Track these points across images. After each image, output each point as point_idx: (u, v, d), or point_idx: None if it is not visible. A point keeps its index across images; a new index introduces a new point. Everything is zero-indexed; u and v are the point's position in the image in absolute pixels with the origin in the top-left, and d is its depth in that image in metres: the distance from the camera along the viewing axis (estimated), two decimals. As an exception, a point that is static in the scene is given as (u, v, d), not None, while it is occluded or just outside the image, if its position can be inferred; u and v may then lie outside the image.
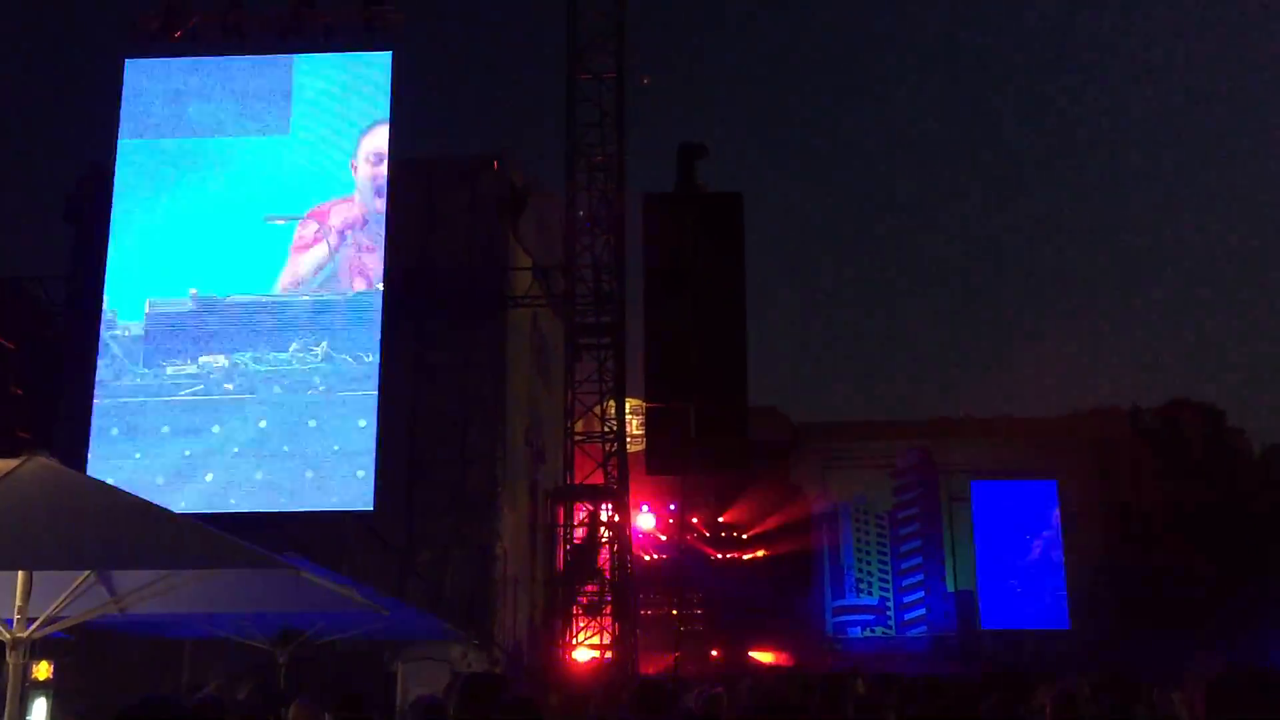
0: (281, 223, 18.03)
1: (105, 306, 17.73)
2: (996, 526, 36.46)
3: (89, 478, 7.30)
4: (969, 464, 36.64)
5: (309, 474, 17.07)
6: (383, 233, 17.59)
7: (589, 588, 19.39)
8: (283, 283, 18.02)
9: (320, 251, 17.98)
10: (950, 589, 36.63)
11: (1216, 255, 74.37)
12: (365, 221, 17.90)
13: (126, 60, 18.12)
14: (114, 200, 17.81)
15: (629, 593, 19.75)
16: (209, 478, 17.08)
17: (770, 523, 36.74)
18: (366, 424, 17.11)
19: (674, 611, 33.03)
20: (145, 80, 18.13)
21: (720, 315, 17.72)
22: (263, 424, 17.47)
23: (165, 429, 17.51)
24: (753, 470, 34.11)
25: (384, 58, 17.96)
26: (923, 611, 36.81)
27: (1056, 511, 36.24)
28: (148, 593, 6.26)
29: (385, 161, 17.87)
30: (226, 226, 18.07)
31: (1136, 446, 35.67)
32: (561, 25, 18.86)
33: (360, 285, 17.79)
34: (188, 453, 17.33)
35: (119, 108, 17.98)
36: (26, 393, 20.15)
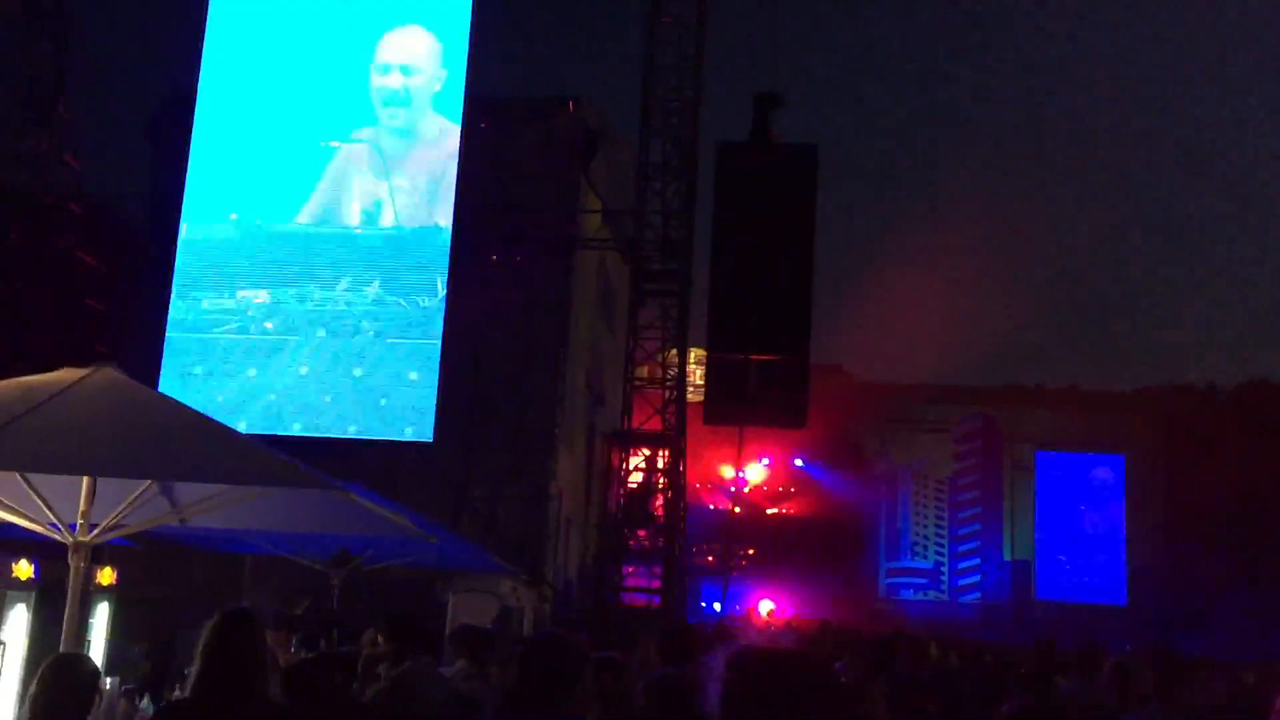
0: (336, 145, 16.99)
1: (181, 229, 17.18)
2: (1060, 498, 36.01)
3: (154, 392, 7.48)
4: (1036, 434, 36.16)
5: (351, 428, 16.09)
6: (442, 167, 16.81)
7: (641, 533, 19.53)
8: (335, 213, 16.92)
9: (375, 181, 16.94)
10: (1007, 558, 36.36)
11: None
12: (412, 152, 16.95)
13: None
14: (195, 121, 17.74)
15: (680, 540, 19.85)
16: (242, 425, 15.56)
17: (828, 481, 36.68)
18: (418, 376, 15.93)
19: (727, 563, 33.21)
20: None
21: (788, 270, 17.53)
22: (304, 370, 16.18)
23: (198, 369, 16.30)
24: (812, 427, 34.07)
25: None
26: (977, 579, 36.59)
27: (1123, 487, 35.67)
28: (207, 506, 6.41)
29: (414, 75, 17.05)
30: (288, 150, 17.16)
31: (1210, 425, 34.87)
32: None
33: (418, 220, 16.71)
34: (220, 398, 16.04)
35: (204, 27, 17.89)
36: (107, 310, 20.69)
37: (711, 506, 35.67)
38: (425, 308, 16.19)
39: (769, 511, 36.95)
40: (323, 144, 17.19)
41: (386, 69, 17.33)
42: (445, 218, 16.67)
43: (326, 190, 17.00)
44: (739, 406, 17.74)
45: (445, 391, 16.63)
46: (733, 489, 36.63)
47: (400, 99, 17.35)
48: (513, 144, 18.63)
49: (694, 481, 35.33)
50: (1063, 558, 35.86)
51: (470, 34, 17.47)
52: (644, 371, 19.87)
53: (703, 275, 18.38)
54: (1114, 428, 35.67)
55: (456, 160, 16.89)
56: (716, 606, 33.11)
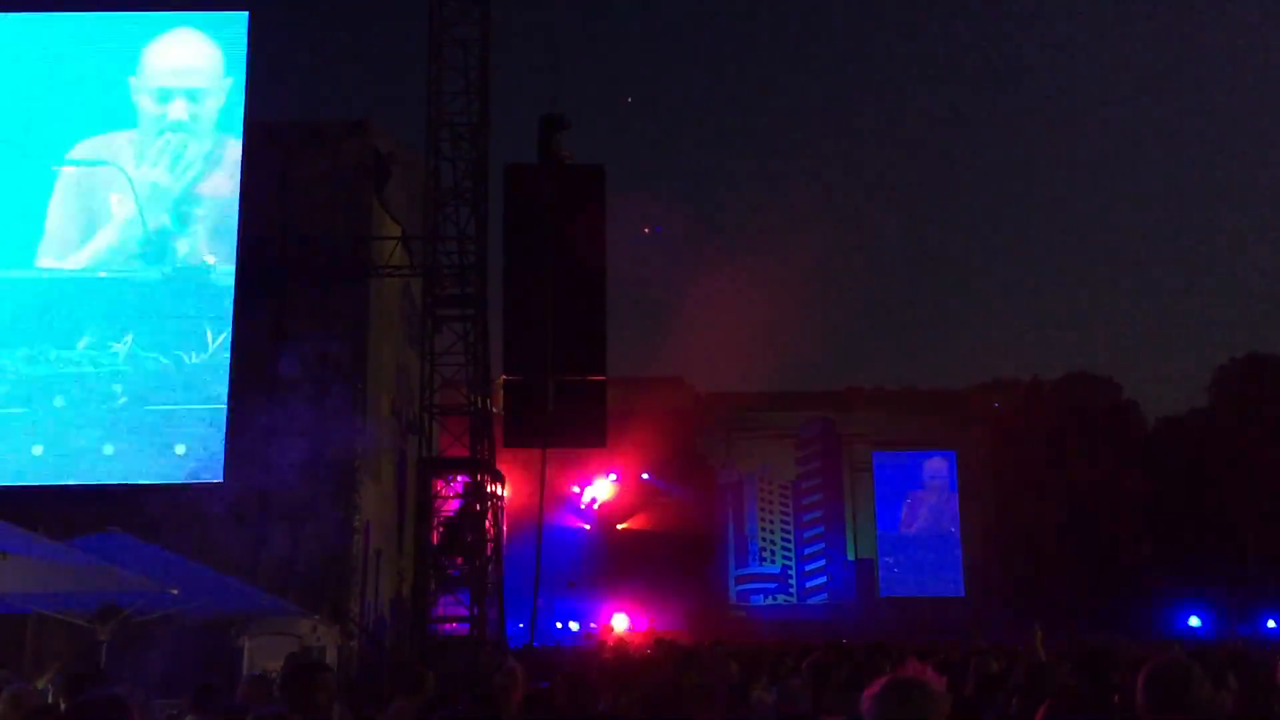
0: (71, 171, 14.79)
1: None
2: (897, 497, 37.00)
3: None
4: (871, 435, 37.13)
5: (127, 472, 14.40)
6: (221, 200, 15.61)
7: (459, 560, 19.21)
8: (78, 254, 14.78)
9: (127, 212, 14.98)
10: (851, 557, 37.21)
11: (1116, 230, 75.54)
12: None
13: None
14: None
15: (501, 565, 19.65)
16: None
17: (676, 493, 36.95)
18: (185, 450, 14.04)
19: (571, 584, 33.19)
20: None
21: (581, 290, 17.58)
22: (38, 450, 13.94)
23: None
24: (657, 440, 34.26)
25: (240, 18, 17.34)
26: (824, 580, 37.32)
27: (954, 483, 36.82)
28: None
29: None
30: (14, 178, 14.92)
31: (1034, 419, 36.27)
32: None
33: (191, 260, 15.04)
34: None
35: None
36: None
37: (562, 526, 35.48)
38: (192, 364, 14.39)
39: (619, 527, 37.04)
40: (56, 167, 15.21)
41: (167, 94, 15.68)
42: (217, 256, 15.38)
43: (64, 226, 15.26)
44: (539, 428, 17.68)
45: (237, 425, 15.97)
46: (581, 506, 36.62)
47: (185, 126, 16.05)
48: (298, 171, 18.22)
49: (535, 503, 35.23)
50: (889, 559, 36.70)
51: (249, 54, 16.88)
52: (462, 396, 19.58)
53: (499, 298, 18.30)
54: (946, 425, 36.80)
55: (237, 192, 15.91)
56: (574, 626, 33.02)
